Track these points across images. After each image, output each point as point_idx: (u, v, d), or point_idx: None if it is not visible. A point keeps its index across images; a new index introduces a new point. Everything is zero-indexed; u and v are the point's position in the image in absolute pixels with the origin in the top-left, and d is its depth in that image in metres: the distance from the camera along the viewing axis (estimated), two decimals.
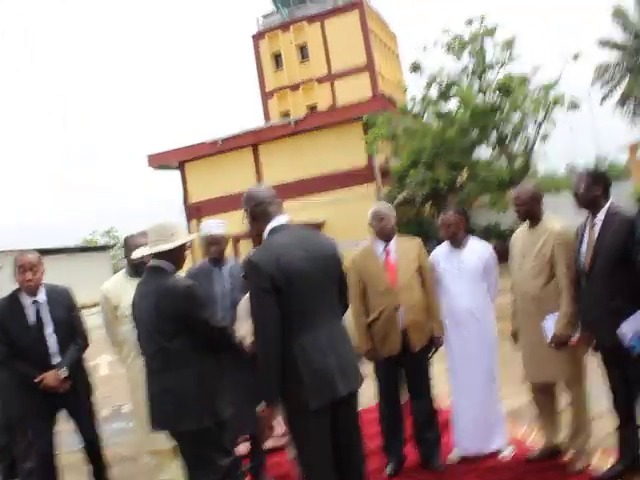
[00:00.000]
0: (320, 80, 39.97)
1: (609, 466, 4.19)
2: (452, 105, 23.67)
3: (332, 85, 39.81)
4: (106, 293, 4.79)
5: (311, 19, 40.40)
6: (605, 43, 36.59)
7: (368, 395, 4.56)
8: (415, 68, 23.82)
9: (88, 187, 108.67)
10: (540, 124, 22.72)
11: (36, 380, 4.44)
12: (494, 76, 23.35)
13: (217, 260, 4.76)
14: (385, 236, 4.75)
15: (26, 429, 4.57)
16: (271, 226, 3.34)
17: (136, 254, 3.93)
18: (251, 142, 31.30)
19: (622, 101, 36.96)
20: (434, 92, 23.89)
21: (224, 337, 3.80)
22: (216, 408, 3.66)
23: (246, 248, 28.29)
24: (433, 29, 58.18)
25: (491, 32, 22.81)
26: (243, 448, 4.97)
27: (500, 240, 18.38)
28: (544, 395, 4.56)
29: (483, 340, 4.72)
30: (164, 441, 4.57)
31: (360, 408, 3.46)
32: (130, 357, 4.69)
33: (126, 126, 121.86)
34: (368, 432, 4.13)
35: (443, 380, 4.99)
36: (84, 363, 4.87)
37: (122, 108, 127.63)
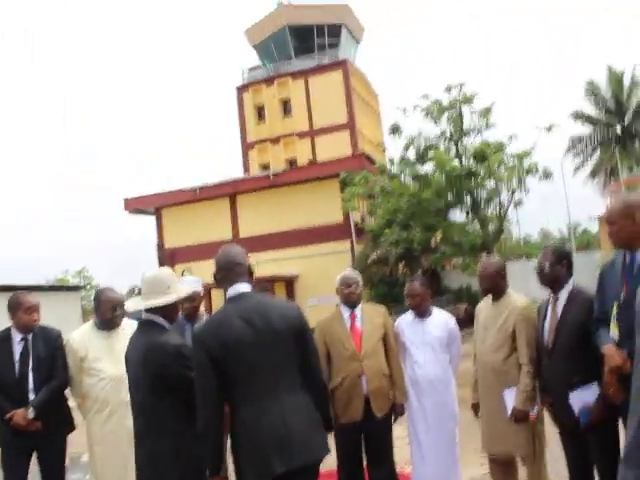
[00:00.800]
0: (301, 135, 40.47)
1: None
2: (429, 168, 24.08)
3: (312, 140, 40.30)
4: (73, 344, 4.78)
5: (295, 75, 41.11)
6: (578, 116, 37.85)
7: (329, 458, 4.55)
8: (394, 130, 24.28)
9: (60, 223, 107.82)
10: (514, 191, 23.16)
11: (7, 417, 4.44)
12: (471, 142, 23.88)
13: (191, 316, 4.80)
14: (352, 302, 4.83)
15: (4, 463, 4.58)
16: (229, 294, 3.35)
17: (130, 307, 3.83)
18: (229, 192, 31.45)
19: (593, 173, 38.09)
20: (412, 154, 24.34)
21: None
22: (198, 474, 3.49)
23: (219, 298, 28.19)
24: (416, 88, 59.62)
25: (469, 99, 23.37)
26: None
27: (471, 303, 18.54)
28: (502, 466, 4.61)
29: (443, 409, 4.79)
30: None
31: (321, 470, 3.39)
32: (92, 411, 4.67)
33: (104, 166, 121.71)
34: None
35: (403, 446, 5.03)
36: (63, 404, 4.84)
37: (103, 147, 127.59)
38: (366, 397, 4.63)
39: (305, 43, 42.46)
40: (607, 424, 3.81)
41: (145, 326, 3.66)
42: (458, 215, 25.32)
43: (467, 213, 24.47)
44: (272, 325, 3.25)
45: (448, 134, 23.88)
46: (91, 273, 62.27)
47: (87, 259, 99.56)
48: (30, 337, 4.72)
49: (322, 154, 37.61)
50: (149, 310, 3.62)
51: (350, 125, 39.57)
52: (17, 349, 4.66)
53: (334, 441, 4.75)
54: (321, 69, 40.80)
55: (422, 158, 23.99)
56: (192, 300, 4.77)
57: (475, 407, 4.74)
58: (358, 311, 4.85)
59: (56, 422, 4.70)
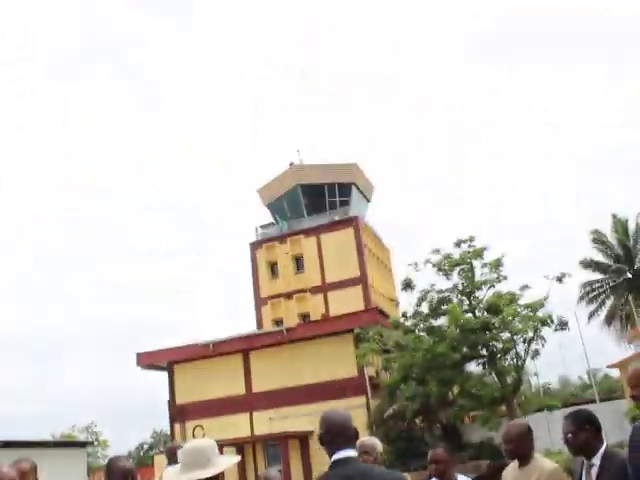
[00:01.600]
0: (313, 290, 40.92)
1: None
2: (443, 321, 24.09)
3: (325, 295, 40.68)
4: None
5: (307, 232, 42.23)
6: (588, 265, 38.19)
7: None
8: (406, 285, 24.55)
9: (67, 381, 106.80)
10: (530, 341, 22.98)
11: None
12: (483, 294, 24.03)
13: None
14: None
15: None
16: (334, 458, 3.35)
17: (169, 476, 3.77)
18: (242, 348, 31.40)
19: (608, 320, 37.85)
20: (425, 308, 24.45)
21: None
22: None
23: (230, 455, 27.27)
24: (428, 240, 60.68)
25: (479, 253, 23.79)
26: None
27: (494, 458, 17.87)
28: None
29: None
30: None
31: None
32: None
33: (116, 316, 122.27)
34: None
35: None
36: None
37: (113, 297, 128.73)
38: None
39: (317, 201, 44.00)
40: None
41: None
42: (474, 367, 25.04)
43: (483, 365, 24.17)
44: None
45: (460, 287, 24.11)
46: (99, 428, 61.07)
47: (96, 412, 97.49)
48: None
49: (335, 308, 37.85)
50: None
51: (362, 279, 40.06)
52: None
53: None
54: (332, 226, 41.95)
55: (435, 311, 24.08)
56: None
57: None
58: None
59: None
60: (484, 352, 23.52)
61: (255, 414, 30.13)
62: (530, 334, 22.71)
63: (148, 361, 33.63)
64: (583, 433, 4.02)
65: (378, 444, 4.84)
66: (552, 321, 22.49)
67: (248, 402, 30.39)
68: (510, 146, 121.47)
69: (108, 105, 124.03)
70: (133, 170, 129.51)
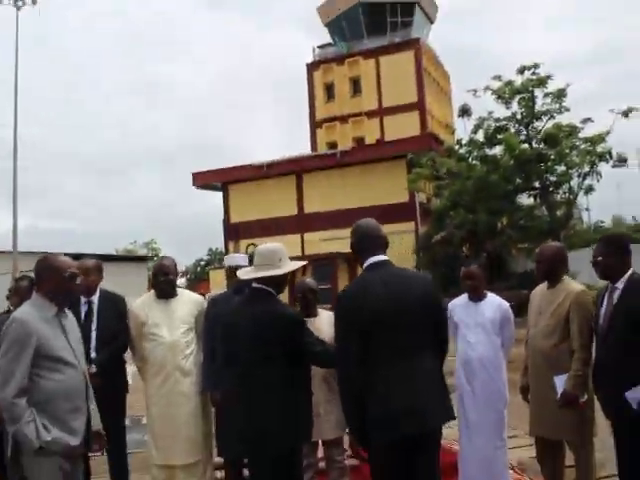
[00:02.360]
0: (369, 114, 40.30)
1: None
2: (497, 150, 23.69)
3: (381, 120, 40.08)
4: (134, 310, 5.00)
5: (366, 54, 40.86)
6: None
7: None
8: (464, 112, 23.94)
9: (130, 196, 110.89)
10: (585, 176, 22.57)
11: None
12: (542, 125, 23.34)
13: (239, 289, 4.93)
14: None
15: None
16: (368, 262, 3.50)
17: (243, 275, 4.05)
18: (295, 169, 31.69)
19: None
20: (481, 136, 23.97)
21: (323, 360, 3.85)
22: (306, 431, 3.76)
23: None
24: (489, 68, 58.21)
25: (543, 82, 22.81)
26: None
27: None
28: (548, 450, 4.61)
29: (493, 390, 4.78)
30: (173, 458, 4.75)
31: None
32: (150, 374, 4.88)
33: (171, 142, 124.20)
34: None
35: (452, 424, 5.05)
36: (122, 366, 5.11)
37: (172, 124, 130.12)
38: None
39: (377, 21, 42.04)
40: None
41: (256, 295, 3.85)
42: (525, 200, 24.89)
43: (535, 198, 24.00)
44: (412, 292, 3.39)
45: (519, 116, 23.42)
46: (158, 245, 63.92)
47: (156, 230, 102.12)
48: (96, 300, 4.96)
49: (390, 134, 37.36)
50: (260, 281, 3.82)
51: (420, 105, 39.16)
52: (82, 309, 4.91)
53: None
54: (393, 48, 40.40)
55: (491, 140, 23.63)
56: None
57: (524, 390, 4.73)
58: None
59: (115, 382, 4.92)
60: (537, 184, 23.28)
61: (306, 235, 30.98)
62: (586, 169, 22.26)
63: (203, 181, 34.39)
64: (612, 257, 4.02)
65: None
66: (611, 157, 21.92)
67: (300, 223, 31.17)
68: None
69: None
70: None
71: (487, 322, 4.85)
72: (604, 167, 22.29)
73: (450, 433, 6.15)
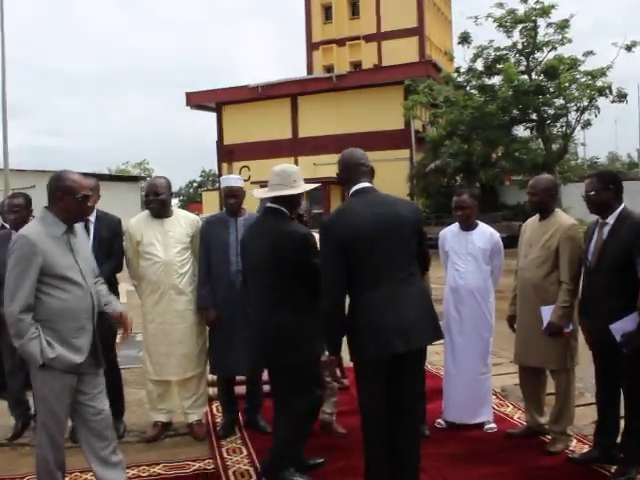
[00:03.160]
0: (367, 38, 39.53)
1: (585, 451, 4.41)
2: (496, 81, 23.41)
3: (379, 44, 39.35)
4: (129, 229, 5.02)
5: None
6: None
7: None
8: (464, 39, 23.51)
9: (123, 115, 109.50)
10: (583, 110, 22.39)
11: None
12: (543, 56, 23.00)
13: (234, 211, 4.97)
14: None
15: None
16: (353, 190, 3.55)
17: (258, 194, 4.17)
18: (291, 92, 31.29)
19: None
20: (480, 65, 23.63)
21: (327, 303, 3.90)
22: (317, 344, 3.86)
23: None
24: None
25: (546, 11, 22.34)
26: (240, 389, 5.26)
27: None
28: (532, 378, 4.76)
29: (480, 318, 4.90)
30: (168, 373, 4.88)
31: None
32: (145, 292, 4.96)
33: (166, 60, 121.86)
34: None
35: (439, 350, 5.21)
36: (115, 285, 5.10)
37: (167, 44, 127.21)
38: None
39: None
40: None
41: (270, 214, 3.97)
42: (522, 132, 24.78)
43: (531, 130, 23.88)
44: (397, 216, 3.45)
45: (520, 46, 23.05)
46: (151, 165, 63.56)
47: (148, 152, 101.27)
48: (93, 220, 4.95)
49: (388, 59, 36.77)
50: (274, 200, 3.92)
51: (419, 30, 38.44)
52: (79, 228, 4.93)
53: None
54: None
55: (490, 70, 23.33)
56: (235, 197, 4.96)
57: (511, 319, 4.85)
58: None
59: None
60: (534, 117, 23.13)
61: (300, 159, 30.80)
62: (585, 103, 22.08)
63: (197, 101, 33.92)
64: (605, 192, 4.06)
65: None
66: (610, 92, 21.69)
67: (294, 146, 30.97)
68: None
69: None
70: None
71: (477, 251, 4.92)
72: (603, 102, 22.12)
73: (436, 359, 6.34)
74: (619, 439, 4.19)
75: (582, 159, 45.88)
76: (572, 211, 14.65)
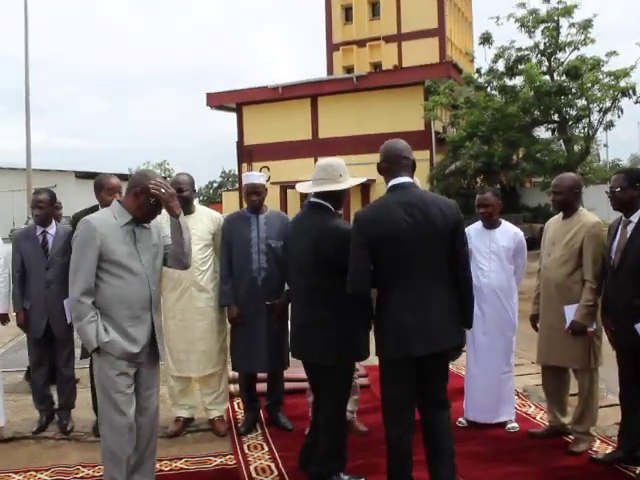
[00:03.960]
0: (388, 39, 39.41)
1: (609, 452, 4.37)
2: (518, 81, 23.21)
3: (399, 45, 39.22)
4: (152, 226, 5.04)
5: None
6: None
7: None
8: (485, 39, 23.35)
9: (143, 116, 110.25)
10: (606, 112, 22.15)
11: None
12: (565, 57, 22.79)
13: (256, 208, 4.98)
14: None
15: None
16: (391, 184, 3.49)
17: (301, 188, 4.08)
18: (311, 93, 31.28)
19: None
20: (501, 66, 23.47)
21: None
22: (359, 347, 3.88)
23: (294, 197, 28.58)
24: None
25: (569, 11, 22.12)
26: (262, 386, 5.27)
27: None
28: (555, 378, 4.72)
29: (503, 317, 4.88)
30: (189, 370, 4.91)
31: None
32: (167, 288, 4.95)
33: (185, 62, 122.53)
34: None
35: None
36: None
37: (185, 42, 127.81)
38: None
39: None
40: None
41: (314, 210, 3.91)
42: (543, 133, 24.58)
43: (553, 131, 23.67)
44: (430, 217, 3.35)
45: (542, 47, 22.85)
46: (171, 166, 63.92)
47: (168, 152, 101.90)
48: None
49: (408, 60, 36.65)
50: (318, 195, 3.85)
51: (440, 31, 38.25)
52: None
53: None
54: None
55: (511, 70, 23.14)
56: (258, 193, 4.96)
57: (534, 318, 4.82)
58: None
59: None
60: (556, 117, 22.89)
61: (320, 159, 30.75)
62: (607, 104, 21.81)
63: (218, 102, 34.00)
64: (631, 190, 4.03)
65: (418, 182, 4.97)
66: (634, 92, 21.41)
67: (314, 147, 30.92)
68: None
69: None
70: None
71: (501, 250, 4.90)
72: (626, 103, 21.87)
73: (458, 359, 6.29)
74: None
75: (604, 161, 45.41)
76: (594, 213, 14.53)
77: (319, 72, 42.38)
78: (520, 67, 22.75)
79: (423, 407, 3.56)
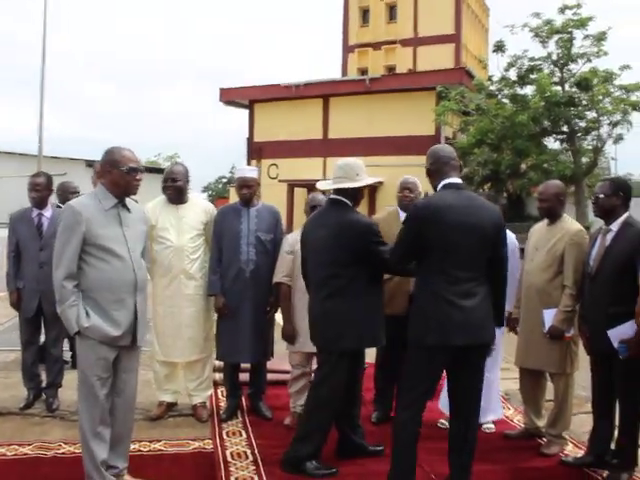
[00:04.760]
0: (404, 43, 39.42)
1: (578, 456, 4.45)
2: (529, 90, 23.24)
3: (415, 50, 39.23)
4: (146, 212, 5.14)
5: None
6: None
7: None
8: (498, 48, 23.39)
9: (157, 108, 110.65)
10: (616, 125, 22.15)
11: None
12: (577, 68, 22.80)
13: (247, 201, 5.09)
14: (406, 207, 4.98)
15: None
16: (443, 183, 3.68)
17: (321, 186, 4.38)
18: (324, 93, 31.31)
19: None
20: (513, 74, 23.50)
21: (393, 268, 4.11)
22: (377, 334, 4.12)
23: (301, 196, 28.69)
24: (530, 3, 56.43)
25: (584, 23, 22.13)
26: (246, 375, 5.37)
27: None
28: (531, 381, 4.80)
29: None
30: (174, 355, 5.01)
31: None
32: (157, 275, 5.07)
33: (203, 58, 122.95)
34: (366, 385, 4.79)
35: None
36: None
37: (204, 39, 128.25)
38: (411, 295, 4.86)
39: None
40: None
41: (334, 205, 4.15)
42: (552, 143, 24.56)
43: (562, 142, 23.68)
44: (480, 218, 3.57)
45: (554, 57, 22.86)
46: (182, 159, 64.13)
47: (180, 146, 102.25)
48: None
49: (423, 64, 36.66)
50: (338, 192, 4.10)
51: (456, 37, 38.23)
52: None
53: None
54: None
55: (523, 80, 23.17)
56: (249, 187, 5.08)
57: (513, 321, 4.88)
58: None
59: None
60: (565, 128, 22.90)
61: (329, 160, 30.75)
62: (617, 117, 21.82)
63: (230, 97, 34.07)
64: (615, 198, 4.11)
65: (418, 183, 5.09)
66: None
67: (324, 147, 30.98)
68: None
69: None
70: None
71: None
72: (637, 117, 21.87)
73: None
74: (613, 446, 4.23)
75: (615, 174, 45.20)
76: (598, 225, 14.55)
77: (333, 73, 42.34)
78: (532, 76, 22.78)
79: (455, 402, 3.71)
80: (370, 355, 5.01)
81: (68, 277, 3.43)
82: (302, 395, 4.97)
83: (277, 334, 5.25)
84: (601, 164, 29.57)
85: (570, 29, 22.42)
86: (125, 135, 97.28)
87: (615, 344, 3.94)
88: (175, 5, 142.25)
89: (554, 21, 22.73)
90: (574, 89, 22.31)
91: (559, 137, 23.52)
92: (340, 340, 3.99)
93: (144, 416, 5.05)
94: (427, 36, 38.57)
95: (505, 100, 23.79)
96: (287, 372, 5.27)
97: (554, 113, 21.83)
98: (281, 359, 5.48)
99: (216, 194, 59.66)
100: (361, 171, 4.12)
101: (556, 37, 22.65)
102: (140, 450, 4.35)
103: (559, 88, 22.51)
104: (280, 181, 29.43)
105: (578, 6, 22.33)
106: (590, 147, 23.34)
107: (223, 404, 5.41)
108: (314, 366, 5.12)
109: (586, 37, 22.44)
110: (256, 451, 4.41)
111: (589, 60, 22.52)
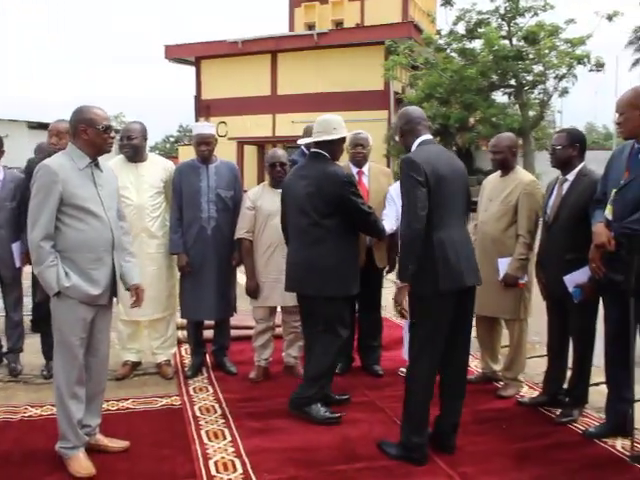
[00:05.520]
0: None
1: (534, 396, 4.69)
2: (477, 45, 23.37)
3: (362, 4, 38.80)
4: None
5: None
6: None
7: None
8: (447, 1, 23.42)
9: (100, 66, 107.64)
10: (561, 78, 22.49)
11: None
12: (525, 22, 23.00)
13: (206, 158, 5.07)
14: (358, 162, 5.14)
15: None
16: (420, 140, 3.78)
17: (301, 141, 4.86)
18: (271, 48, 30.94)
19: None
20: (461, 29, 23.59)
21: (370, 221, 4.36)
22: (351, 284, 4.32)
23: (251, 153, 28.50)
24: None
25: None
26: (209, 332, 5.43)
27: None
28: (487, 327, 4.99)
29: None
30: (137, 314, 5.01)
31: None
32: None
33: (146, 16, 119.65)
34: None
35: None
36: None
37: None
38: (369, 248, 4.97)
39: None
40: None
41: (314, 158, 4.37)
42: (500, 97, 24.84)
43: (509, 96, 23.98)
44: (457, 165, 3.83)
45: (502, 11, 23.00)
46: (127, 118, 62.76)
47: (124, 105, 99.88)
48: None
49: (370, 19, 36.27)
50: (317, 145, 4.34)
51: None
52: None
53: None
54: None
55: (471, 33, 23.31)
56: (207, 144, 5.06)
57: None
58: (365, 169, 5.17)
59: None
60: (513, 82, 23.18)
61: (278, 116, 30.60)
62: (563, 70, 22.16)
63: (176, 54, 33.37)
64: (571, 149, 4.23)
65: (369, 139, 5.17)
66: (589, 60, 21.75)
67: (272, 103, 30.72)
68: None
69: None
70: None
71: None
72: (582, 71, 22.26)
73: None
74: (566, 386, 4.45)
75: (560, 128, 46.00)
76: (545, 177, 14.88)
77: (281, 28, 41.74)
78: (480, 30, 22.91)
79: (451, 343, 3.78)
80: None
81: (45, 238, 3.39)
82: (266, 349, 5.08)
83: (239, 290, 5.31)
84: (547, 117, 30.04)
85: None
86: (67, 95, 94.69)
87: (570, 289, 4.12)
88: None
89: None
90: (521, 43, 22.54)
91: (507, 91, 23.83)
92: (325, 285, 4.17)
93: (110, 376, 5.04)
94: None
95: (454, 54, 23.92)
96: (250, 328, 5.34)
97: (502, 67, 22.07)
98: (244, 315, 5.54)
99: (164, 154, 58.80)
100: (339, 125, 4.33)
101: None
102: (109, 409, 4.37)
103: (507, 42, 22.71)
104: (229, 139, 29.10)
105: None
106: (537, 100, 23.71)
107: (188, 361, 5.47)
108: (277, 321, 5.24)
109: None
110: (224, 405, 4.50)
111: (536, 14, 22.76)
